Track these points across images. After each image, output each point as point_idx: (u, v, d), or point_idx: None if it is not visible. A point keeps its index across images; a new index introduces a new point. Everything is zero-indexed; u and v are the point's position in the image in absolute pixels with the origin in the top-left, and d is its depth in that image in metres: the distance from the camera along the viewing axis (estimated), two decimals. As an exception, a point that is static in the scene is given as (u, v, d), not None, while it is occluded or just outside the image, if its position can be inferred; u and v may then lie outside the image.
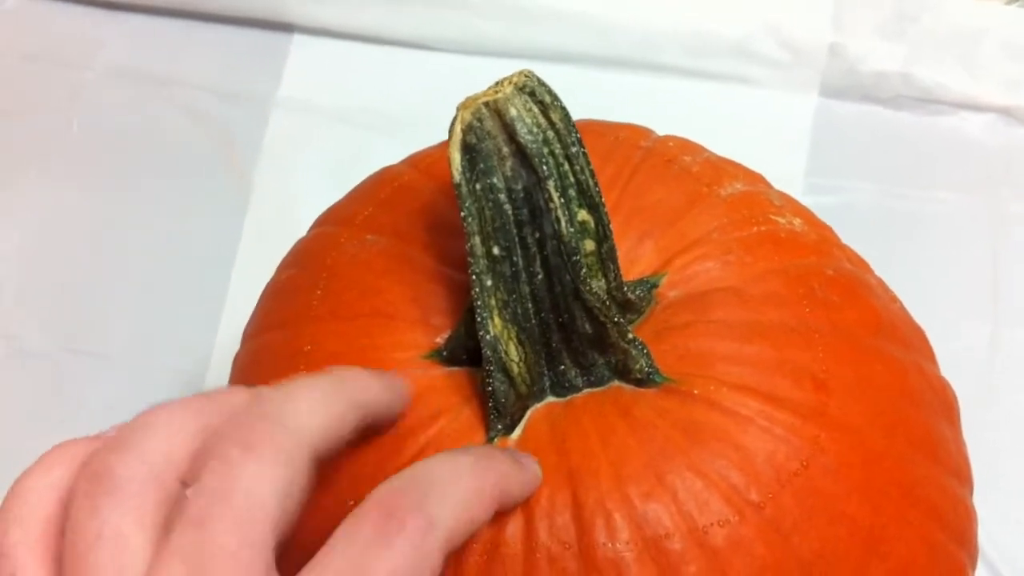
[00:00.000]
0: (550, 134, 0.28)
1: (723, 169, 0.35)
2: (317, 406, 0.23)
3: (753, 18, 0.55)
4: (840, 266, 0.32)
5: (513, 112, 0.27)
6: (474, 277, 0.28)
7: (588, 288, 0.28)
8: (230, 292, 0.55)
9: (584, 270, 0.28)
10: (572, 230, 0.28)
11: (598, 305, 0.28)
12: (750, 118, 0.57)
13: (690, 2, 0.55)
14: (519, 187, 0.28)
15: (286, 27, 0.58)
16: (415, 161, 0.36)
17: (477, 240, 0.28)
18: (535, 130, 0.27)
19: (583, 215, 0.28)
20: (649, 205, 0.32)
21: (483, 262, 0.28)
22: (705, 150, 0.36)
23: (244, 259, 0.55)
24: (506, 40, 0.56)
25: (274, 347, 0.33)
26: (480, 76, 0.59)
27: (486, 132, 0.27)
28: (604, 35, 0.56)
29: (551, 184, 0.27)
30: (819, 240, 0.33)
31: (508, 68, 0.57)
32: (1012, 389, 0.50)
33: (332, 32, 0.58)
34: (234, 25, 0.59)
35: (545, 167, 0.27)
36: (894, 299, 0.33)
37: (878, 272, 0.57)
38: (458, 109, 0.28)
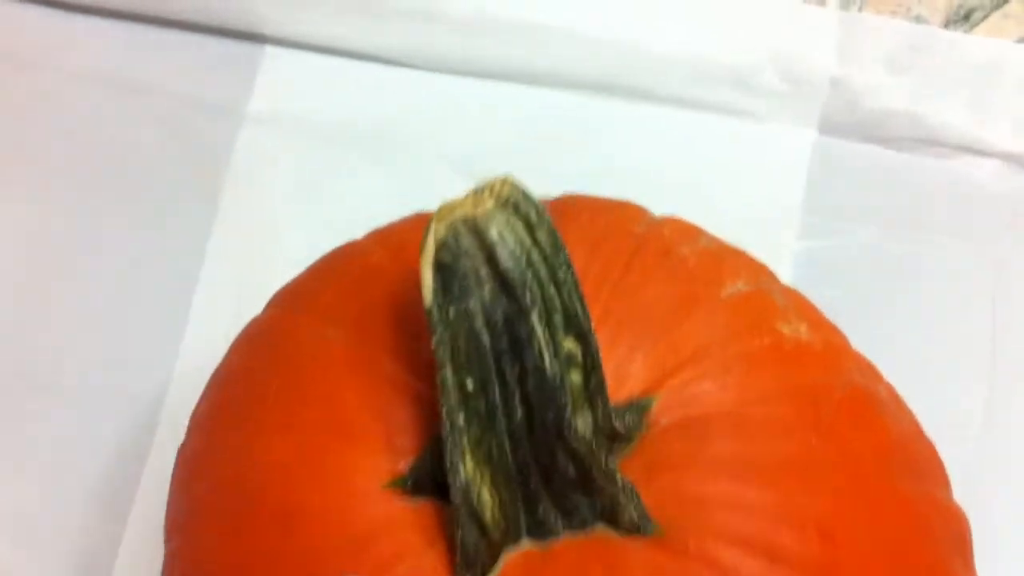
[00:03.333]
0: (535, 256, 0.24)
1: (723, 261, 0.31)
2: None
3: (754, 47, 0.52)
4: (849, 380, 0.29)
5: (494, 233, 0.23)
6: (445, 413, 0.25)
7: (573, 430, 0.25)
8: (192, 315, 0.51)
9: (569, 407, 0.25)
10: (556, 366, 0.24)
11: (583, 449, 0.25)
12: (747, 152, 0.54)
13: (689, 29, 0.51)
14: (498, 315, 0.24)
15: (258, 37, 0.53)
16: (384, 237, 0.33)
17: (449, 372, 0.25)
18: (518, 253, 0.24)
19: (570, 345, 0.25)
20: (641, 309, 0.29)
21: (455, 396, 0.25)
22: (704, 235, 0.32)
23: (208, 280, 0.51)
24: (495, 61, 0.53)
25: (220, 453, 0.30)
26: (465, 98, 0.56)
27: (463, 251, 0.24)
28: (599, 60, 0.52)
29: (534, 315, 0.24)
30: (826, 350, 0.30)
31: (495, 91, 0.54)
32: (1007, 457, 0.47)
33: (307, 45, 0.54)
34: (205, 33, 0.54)
35: (528, 296, 0.24)
36: (906, 413, 0.30)
37: (874, 321, 0.54)
38: (432, 221, 0.24)
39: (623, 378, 0.28)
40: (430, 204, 0.54)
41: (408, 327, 0.29)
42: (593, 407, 0.26)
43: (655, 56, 0.52)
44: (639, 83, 0.52)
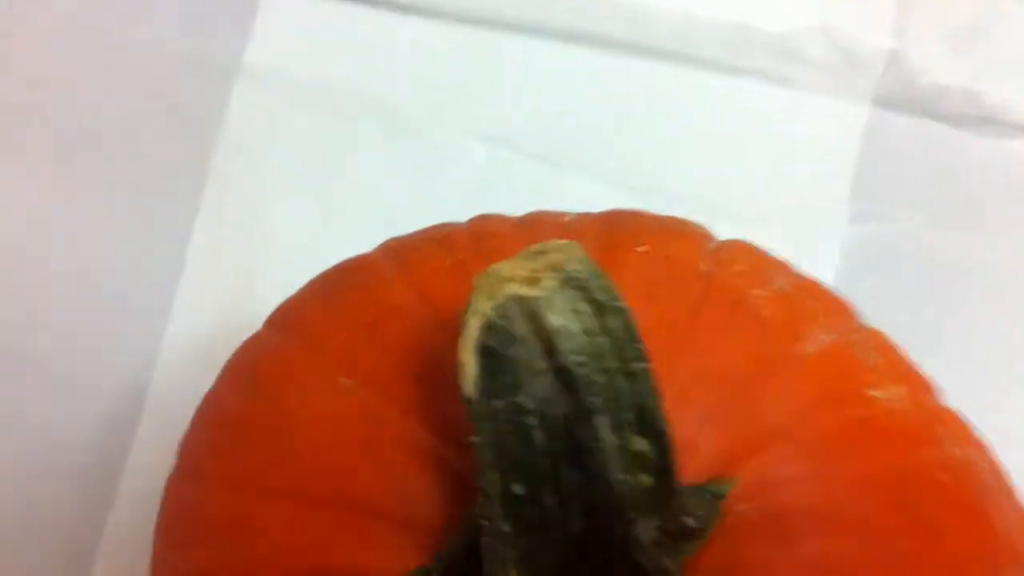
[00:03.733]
0: (604, 345, 0.19)
1: (800, 307, 0.27)
2: None
3: (804, 14, 0.47)
4: (948, 458, 0.25)
5: (556, 320, 0.19)
6: (487, 520, 0.20)
7: (637, 542, 0.20)
8: (181, 285, 0.47)
9: (636, 519, 0.20)
10: (624, 473, 0.20)
11: (648, 562, 0.21)
12: (794, 125, 0.49)
13: (739, -7, 0.46)
14: (556, 412, 0.19)
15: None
16: (405, 266, 0.28)
17: (494, 475, 0.20)
18: (584, 344, 0.19)
19: (640, 445, 0.20)
20: (712, 372, 0.24)
21: (500, 504, 0.20)
22: (777, 270, 0.28)
23: (197, 249, 0.47)
24: (525, 14, 0.47)
25: (217, 512, 0.26)
26: (492, 55, 0.50)
27: (515, 337, 0.19)
28: (638, 20, 0.47)
29: (602, 419, 0.19)
30: (920, 416, 0.26)
31: (525, 48, 0.49)
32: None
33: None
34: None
35: (594, 394, 0.19)
36: (1007, 491, 0.26)
37: (924, 320, 0.50)
38: (475, 295, 0.19)
39: (694, 452, 0.24)
40: (445, 181, 0.50)
41: (433, 381, 0.25)
42: (661, 510, 0.21)
43: (701, 19, 0.47)
44: (685, 47, 0.47)
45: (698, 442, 0.24)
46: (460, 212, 0.49)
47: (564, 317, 0.19)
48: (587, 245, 0.26)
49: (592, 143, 0.48)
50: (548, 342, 0.19)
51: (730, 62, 0.48)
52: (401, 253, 0.28)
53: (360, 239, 0.48)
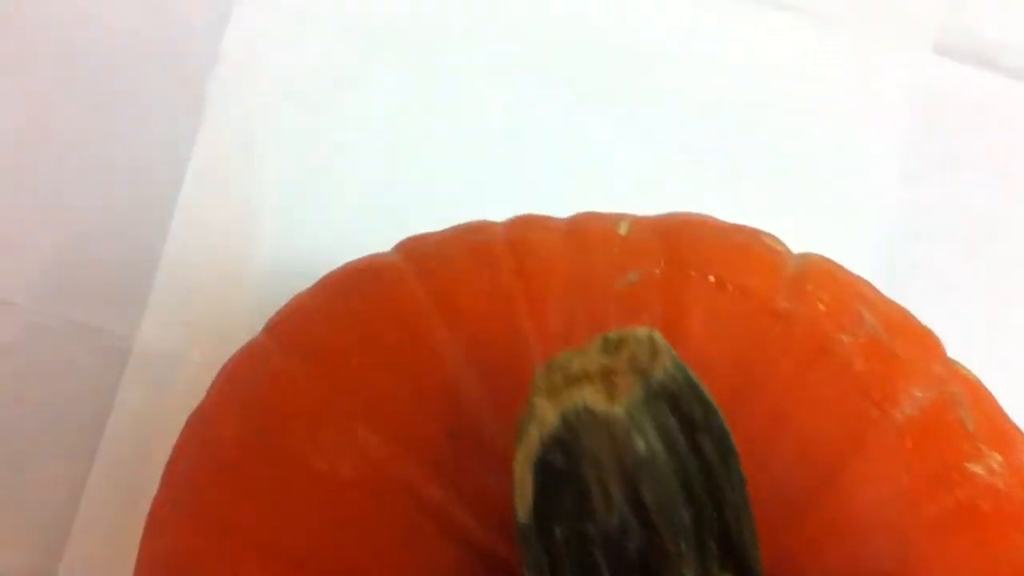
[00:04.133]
0: (693, 469, 0.15)
1: (893, 356, 0.23)
2: None
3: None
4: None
5: (638, 444, 0.15)
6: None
7: None
8: (172, 227, 0.42)
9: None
10: (707, 613, 0.16)
11: None
12: (845, 74, 0.44)
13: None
14: (629, 546, 0.16)
15: None
16: (436, 285, 0.24)
17: (549, 609, 0.16)
18: (673, 472, 0.15)
19: (725, 577, 0.17)
20: (796, 442, 0.21)
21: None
22: (863, 302, 0.24)
23: (191, 188, 0.42)
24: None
25: (209, 566, 0.22)
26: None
27: (585, 456, 0.15)
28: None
29: (688, 560, 0.15)
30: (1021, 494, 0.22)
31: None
32: None
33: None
34: None
35: (683, 540, 0.15)
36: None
37: (974, 285, 0.46)
38: (536, 392, 0.15)
39: (769, 543, 0.20)
40: (460, 124, 0.45)
41: (469, 443, 0.21)
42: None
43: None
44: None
45: (779, 531, 0.20)
46: (476, 158, 0.45)
47: (647, 438, 0.15)
48: (649, 273, 0.22)
49: (624, 91, 0.43)
50: (625, 467, 0.15)
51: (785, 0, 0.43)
52: (429, 265, 0.24)
53: (365, 180, 0.44)
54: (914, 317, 0.26)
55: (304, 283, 0.43)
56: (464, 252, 0.24)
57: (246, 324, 0.43)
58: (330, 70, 0.43)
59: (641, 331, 0.16)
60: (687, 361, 0.20)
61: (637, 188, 0.43)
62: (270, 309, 0.44)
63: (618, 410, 0.15)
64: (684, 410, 0.16)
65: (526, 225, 0.25)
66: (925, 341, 0.25)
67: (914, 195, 0.45)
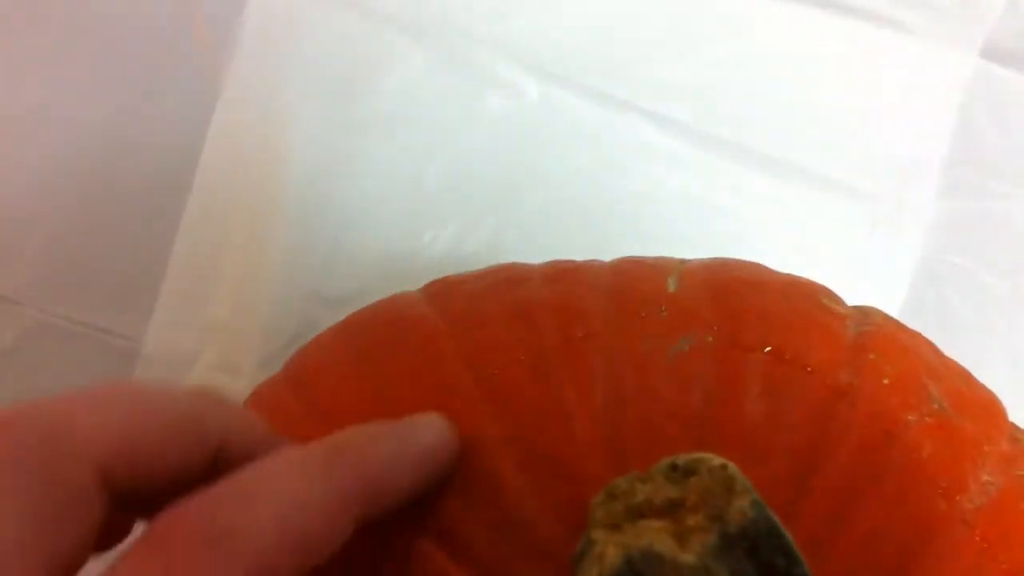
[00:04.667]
0: None
1: (962, 438, 0.21)
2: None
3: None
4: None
5: (714, 599, 0.13)
6: None
7: None
8: (187, 210, 0.41)
9: None
10: None
11: None
12: (893, 75, 0.43)
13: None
14: None
15: None
16: (473, 351, 0.22)
17: None
18: None
19: None
20: (860, 534, 0.19)
21: None
22: (927, 371, 0.22)
23: (208, 167, 0.41)
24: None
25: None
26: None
27: None
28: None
29: None
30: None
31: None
32: None
33: None
34: None
35: None
36: None
37: (1014, 309, 0.45)
38: (594, 523, 0.14)
39: None
40: (488, 114, 0.43)
41: (513, 539, 0.19)
42: None
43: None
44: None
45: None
46: (505, 149, 0.43)
47: (725, 593, 0.14)
48: (701, 340, 0.20)
49: (661, 85, 0.41)
50: (697, 617, 0.14)
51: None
52: (463, 326, 0.22)
53: (384, 171, 0.42)
54: (975, 380, 0.24)
55: (321, 282, 0.42)
56: (501, 312, 0.23)
57: (257, 328, 0.42)
58: (349, 45, 0.41)
59: (715, 461, 0.15)
60: (742, 445, 0.19)
61: (661, 178, 0.41)
62: (283, 311, 0.43)
63: (691, 558, 0.14)
64: (764, 558, 0.14)
65: (567, 279, 0.23)
66: (990, 412, 0.23)
67: (955, 205, 0.43)
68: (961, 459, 0.21)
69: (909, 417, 0.21)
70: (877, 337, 0.23)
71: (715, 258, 0.25)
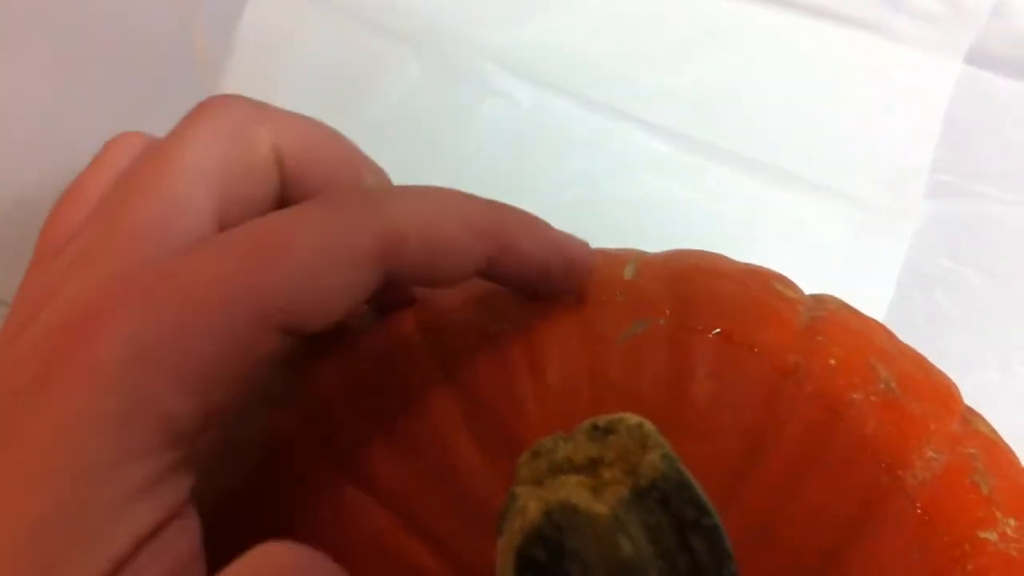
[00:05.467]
0: (682, 567, 0.14)
1: (907, 415, 0.22)
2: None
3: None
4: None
5: (626, 546, 0.14)
6: None
7: None
8: None
9: None
10: None
11: None
12: (880, 80, 0.44)
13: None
14: None
15: None
16: (437, 343, 0.23)
17: None
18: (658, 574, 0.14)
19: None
20: (804, 509, 0.20)
21: None
22: (876, 353, 0.23)
23: None
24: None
25: None
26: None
27: (567, 552, 0.14)
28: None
29: None
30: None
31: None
32: None
33: None
34: None
35: None
36: None
37: (997, 302, 0.45)
38: (519, 480, 0.15)
39: None
40: (483, 120, 0.44)
41: (474, 521, 0.20)
42: None
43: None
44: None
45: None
46: (499, 157, 0.44)
47: (635, 541, 0.14)
48: (654, 324, 0.21)
49: (652, 91, 0.42)
50: (610, 567, 0.15)
51: (818, 2, 0.42)
52: (431, 312, 0.23)
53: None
54: (930, 366, 0.25)
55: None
56: (463, 299, 0.24)
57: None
58: (344, 55, 0.42)
59: (632, 419, 0.15)
60: (691, 423, 0.20)
61: (653, 184, 0.42)
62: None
63: (604, 509, 0.15)
64: (674, 509, 0.15)
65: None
66: (941, 395, 0.24)
67: (941, 208, 0.43)
68: (906, 436, 0.22)
69: (854, 396, 0.22)
70: (828, 322, 0.23)
71: (676, 249, 0.26)
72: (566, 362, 0.22)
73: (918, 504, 0.21)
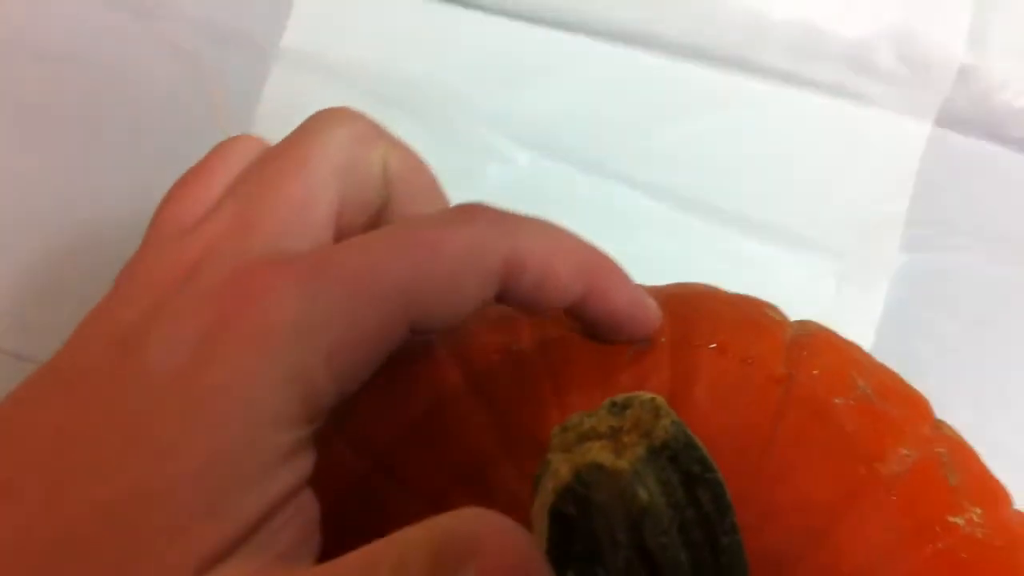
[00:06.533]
0: (692, 518, 0.18)
1: (883, 418, 0.25)
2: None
3: (875, 22, 0.44)
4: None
5: (644, 495, 0.17)
6: None
7: None
8: None
9: None
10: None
11: None
12: (853, 142, 0.47)
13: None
14: None
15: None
16: (471, 372, 0.26)
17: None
18: (672, 520, 0.17)
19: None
20: (793, 500, 0.23)
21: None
22: (856, 367, 0.26)
23: None
24: (575, 10, 0.44)
25: None
26: (526, 48, 0.47)
27: (595, 506, 0.17)
28: (698, 22, 0.44)
29: None
30: (1004, 544, 0.24)
31: (577, 48, 0.46)
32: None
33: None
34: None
35: (677, 572, 0.17)
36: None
37: (974, 351, 0.48)
38: (552, 450, 0.18)
39: None
40: (483, 183, 0.47)
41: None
42: None
43: (764, 24, 0.44)
44: (744, 52, 0.45)
45: None
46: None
47: (651, 491, 0.17)
48: (656, 342, 0.24)
49: (640, 152, 0.46)
50: (631, 517, 0.18)
51: (793, 70, 0.46)
52: (458, 348, 0.26)
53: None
54: (904, 381, 0.28)
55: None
56: (487, 324, 0.27)
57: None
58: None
59: (645, 395, 0.19)
60: (693, 425, 0.23)
61: (642, 240, 0.45)
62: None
63: (624, 465, 0.18)
64: (683, 465, 0.18)
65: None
66: (914, 404, 0.27)
67: (916, 261, 0.47)
68: (882, 435, 0.25)
69: (836, 400, 0.25)
70: (812, 338, 0.27)
71: (677, 282, 0.30)
72: (582, 375, 0.25)
73: (893, 493, 0.24)
